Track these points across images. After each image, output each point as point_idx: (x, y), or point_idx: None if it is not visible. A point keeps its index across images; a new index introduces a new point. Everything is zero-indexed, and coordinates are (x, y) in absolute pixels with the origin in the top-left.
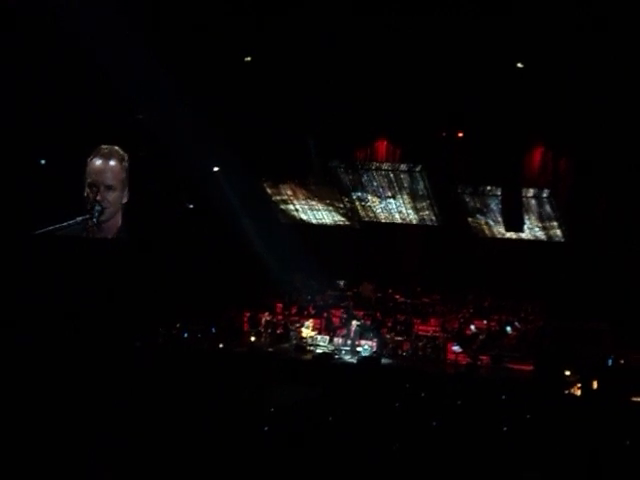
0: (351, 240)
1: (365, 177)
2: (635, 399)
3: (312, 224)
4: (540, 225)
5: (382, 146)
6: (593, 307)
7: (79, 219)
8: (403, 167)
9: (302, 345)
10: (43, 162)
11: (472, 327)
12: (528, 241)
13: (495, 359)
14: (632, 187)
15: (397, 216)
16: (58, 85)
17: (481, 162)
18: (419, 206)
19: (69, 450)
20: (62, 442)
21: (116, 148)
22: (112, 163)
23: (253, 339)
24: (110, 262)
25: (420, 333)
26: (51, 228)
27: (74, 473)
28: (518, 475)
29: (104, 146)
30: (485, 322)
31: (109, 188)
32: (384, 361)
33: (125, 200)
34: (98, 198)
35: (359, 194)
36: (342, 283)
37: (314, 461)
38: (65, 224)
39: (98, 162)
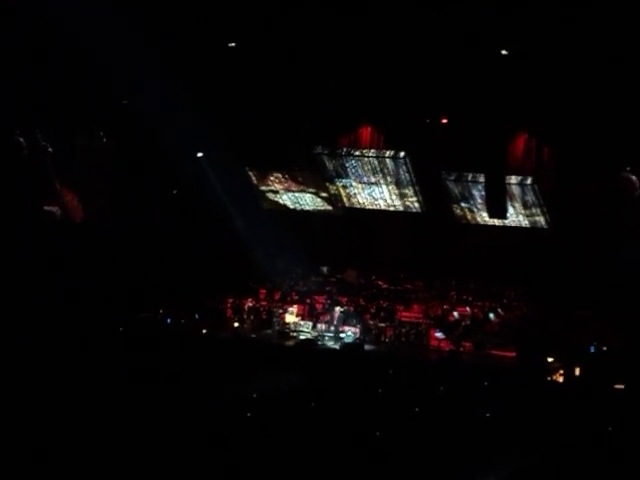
0: (335, 226)
1: (349, 163)
2: (617, 386)
3: (296, 210)
4: (523, 212)
5: (366, 132)
6: (576, 294)
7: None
8: (387, 153)
9: (285, 331)
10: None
11: (455, 313)
12: (512, 228)
13: (478, 345)
14: (614, 175)
15: (381, 202)
16: (44, 70)
17: (465, 149)
18: (403, 193)
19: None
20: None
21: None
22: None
23: (236, 325)
24: (94, 248)
25: (403, 319)
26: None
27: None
28: (500, 460)
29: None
30: (468, 308)
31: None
32: (367, 347)
33: (103, 186)
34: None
35: (343, 180)
36: (326, 269)
37: (297, 446)
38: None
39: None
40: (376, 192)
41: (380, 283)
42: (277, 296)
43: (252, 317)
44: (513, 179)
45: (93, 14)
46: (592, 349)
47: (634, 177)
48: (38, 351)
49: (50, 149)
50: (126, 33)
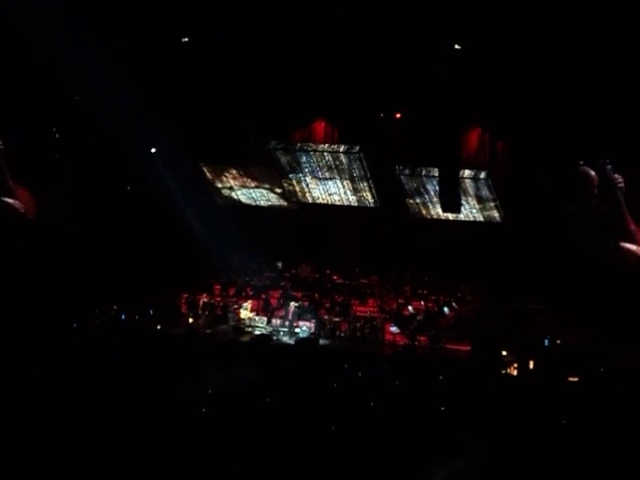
0: (289, 221)
1: (303, 158)
2: (571, 379)
3: (250, 205)
4: (477, 206)
5: (320, 127)
6: (530, 287)
7: None
8: (341, 148)
9: (240, 326)
10: None
11: (410, 308)
12: (466, 222)
13: (432, 339)
14: (568, 169)
15: (335, 197)
16: None
17: (419, 143)
18: (357, 187)
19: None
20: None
21: None
22: None
23: (191, 321)
24: (47, 244)
25: (358, 314)
26: None
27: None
28: (454, 453)
29: None
30: (423, 303)
31: None
32: (322, 342)
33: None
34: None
35: (297, 175)
36: (280, 264)
37: (252, 442)
38: None
39: None
40: (330, 187)
41: (335, 278)
42: (232, 291)
43: (207, 313)
44: (467, 173)
45: (46, 13)
46: (546, 342)
47: (592, 172)
48: None
49: (1, 146)
50: (78, 29)
